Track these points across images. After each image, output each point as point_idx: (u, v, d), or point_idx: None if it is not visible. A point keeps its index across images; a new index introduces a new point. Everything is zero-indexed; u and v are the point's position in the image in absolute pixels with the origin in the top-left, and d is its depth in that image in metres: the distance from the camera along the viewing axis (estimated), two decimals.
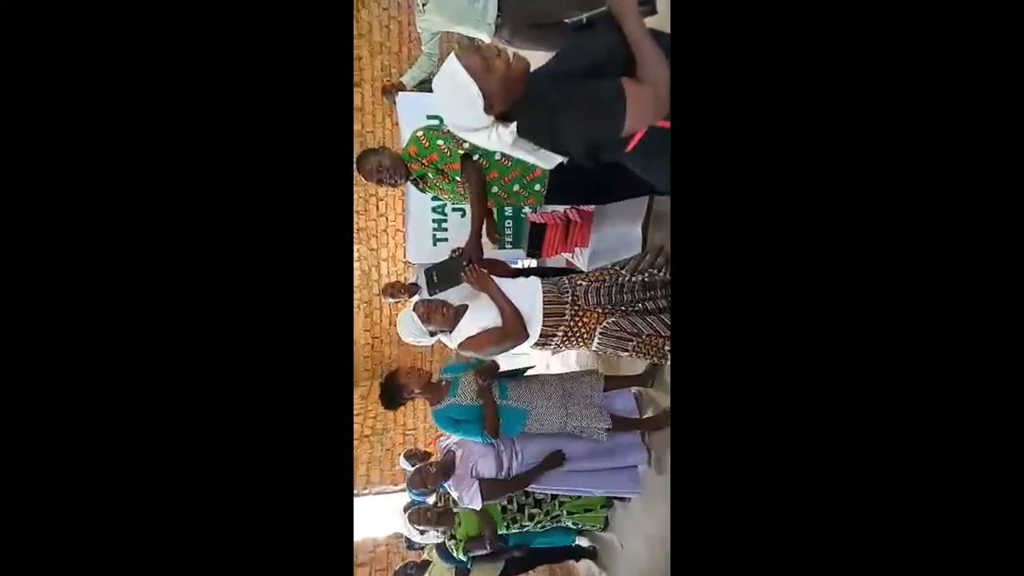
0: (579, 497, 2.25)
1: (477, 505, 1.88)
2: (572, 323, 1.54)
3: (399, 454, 2.97)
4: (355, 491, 3.95)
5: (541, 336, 1.54)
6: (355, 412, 4.72)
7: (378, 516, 3.93)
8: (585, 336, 1.55)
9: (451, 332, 1.58)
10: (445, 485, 1.93)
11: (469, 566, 2.47)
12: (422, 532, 2.17)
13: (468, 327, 1.55)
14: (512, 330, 1.50)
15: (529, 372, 2.10)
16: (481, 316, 1.54)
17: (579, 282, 1.57)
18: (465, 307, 1.59)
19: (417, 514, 2.10)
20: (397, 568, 2.63)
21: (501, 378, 1.92)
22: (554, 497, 2.25)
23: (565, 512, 2.30)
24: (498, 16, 2.14)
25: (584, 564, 2.88)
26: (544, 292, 1.55)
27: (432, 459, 2.35)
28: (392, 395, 1.75)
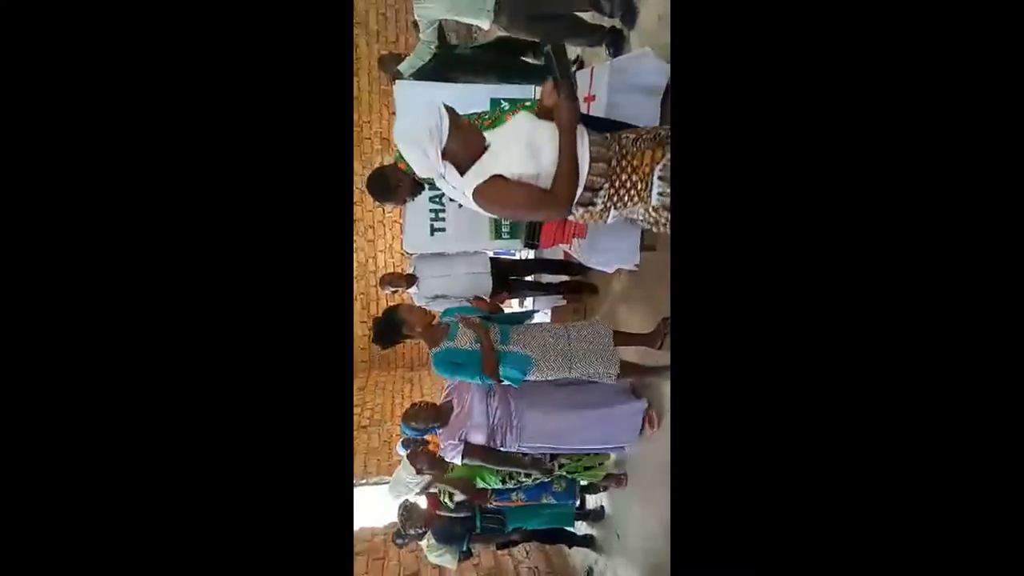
0: (579, 460, 2.26)
1: (457, 461, 1.94)
2: (620, 171, 1.21)
3: (396, 445, 2.98)
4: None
5: (586, 189, 1.19)
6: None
7: (375, 506, 3.94)
8: (639, 185, 1.20)
9: (463, 173, 1.17)
10: (437, 431, 1.98)
11: (466, 549, 2.48)
12: (418, 471, 2.27)
13: (493, 165, 1.14)
14: (562, 194, 1.15)
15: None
16: (513, 158, 1.14)
17: (626, 135, 1.27)
18: (486, 146, 1.20)
19: (415, 454, 2.25)
20: (398, 517, 2.63)
21: (502, 323, 1.88)
22: (553, 457, 2.23)
23: (566, 471, 2.29)
24: (496, 3, 2.12)
25: (579, 550, 2.90)
26: (587, 134, 1.21)
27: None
28: (390, 330, 1.72)
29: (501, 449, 1.94)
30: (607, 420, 1.98)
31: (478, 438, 1.90)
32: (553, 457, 2.22)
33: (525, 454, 2.04)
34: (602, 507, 2.66)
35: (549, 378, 1.80)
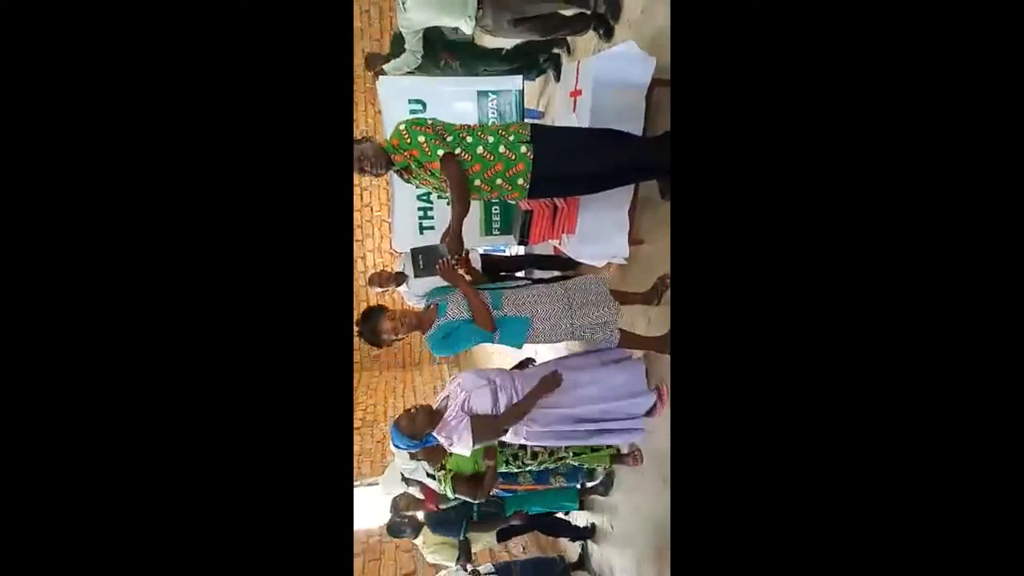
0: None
1: (467, 448, 1.64)
2: None
3: (388, 443, 2.94)
4: None
5: None
6: None
7: (369, 507, 3.93)
8: None
9: None
10: (434, 435, 1.70)
11: (464, 536, 2.40)
12: (413, 467, 2.06)
13: None
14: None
15: (526, 285, 1.92)
16: None
17: None
18: None
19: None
20: (391, 519, 2.54)
21: (493, 289, 1.78)
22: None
23: (571, 453, 2.11)
24: (479, 8, 2.12)
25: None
26: None
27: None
28: (375, 336, 1.68)
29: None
30: (613, 372, 1.85)
31: (481, 402, 1.68)
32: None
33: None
34: (606, 482, 2.55)
35: (551, 340, 1.70)
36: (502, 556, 3.23)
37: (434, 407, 1.77)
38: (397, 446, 1.75)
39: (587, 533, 2.69)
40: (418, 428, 1.68)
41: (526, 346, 1.75)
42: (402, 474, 2.53)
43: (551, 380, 1.74)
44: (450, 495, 1.96)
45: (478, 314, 1.64)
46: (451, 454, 1.95)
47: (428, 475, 2.29)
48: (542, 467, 2.15)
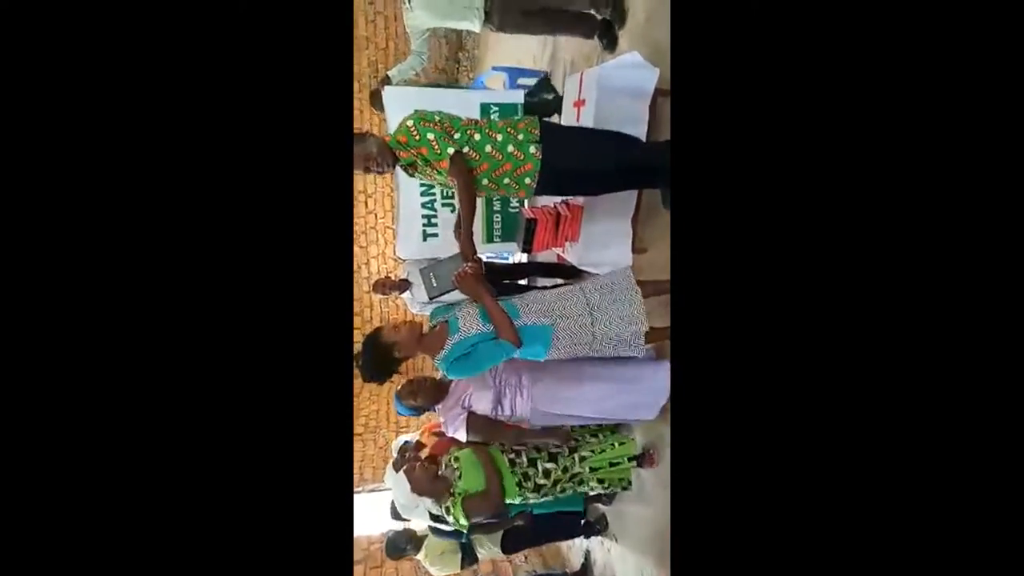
0: (603, 451, 1.97)
1: (461, 437, 1.67)
2: None
3: (392, 442, 2.93)
4: None
5: None
6: None
7: (372, 514, 3.91)
8: None
9: None
10: (435, 408, 1.71)
11: (466, 540, 2.34)
12: (414, 505, 1.99)
13: None
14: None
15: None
16: None
17: None
18: None
19: (412, 474, 1.84)
20: (389, 536, 2.47)
21: (504, 297, 1.64)
22: (572, 451, 1.94)
23: (588, 469, 1.94)
24: (486, 3, 2.13)
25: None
26: None
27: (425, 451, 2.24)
28: (381, 360, 1.51)
29: (511, 420, 1.68)
30: (627, 391, 1.73)
31: (483, 404, 1.67)
32: (572, 451, 1.94)
33: (538, 428, 1.76)
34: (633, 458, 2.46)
35: (574, 348, 1.56)
36: (505, 568, 3.21)
37: (438, 378, 1.75)
38: (400, 411, 1.84)
39: (595, 530, 2.59)
40: (420, 402, 1.74)
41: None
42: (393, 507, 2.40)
43: (560, 435, 1.79)
44: (464, 523, 1.77)
45: (503, 327, 1.47)
46: (459, 475, 1.82)
47: (433, 517, 2.14)
48: (558, 488, 1.95)
